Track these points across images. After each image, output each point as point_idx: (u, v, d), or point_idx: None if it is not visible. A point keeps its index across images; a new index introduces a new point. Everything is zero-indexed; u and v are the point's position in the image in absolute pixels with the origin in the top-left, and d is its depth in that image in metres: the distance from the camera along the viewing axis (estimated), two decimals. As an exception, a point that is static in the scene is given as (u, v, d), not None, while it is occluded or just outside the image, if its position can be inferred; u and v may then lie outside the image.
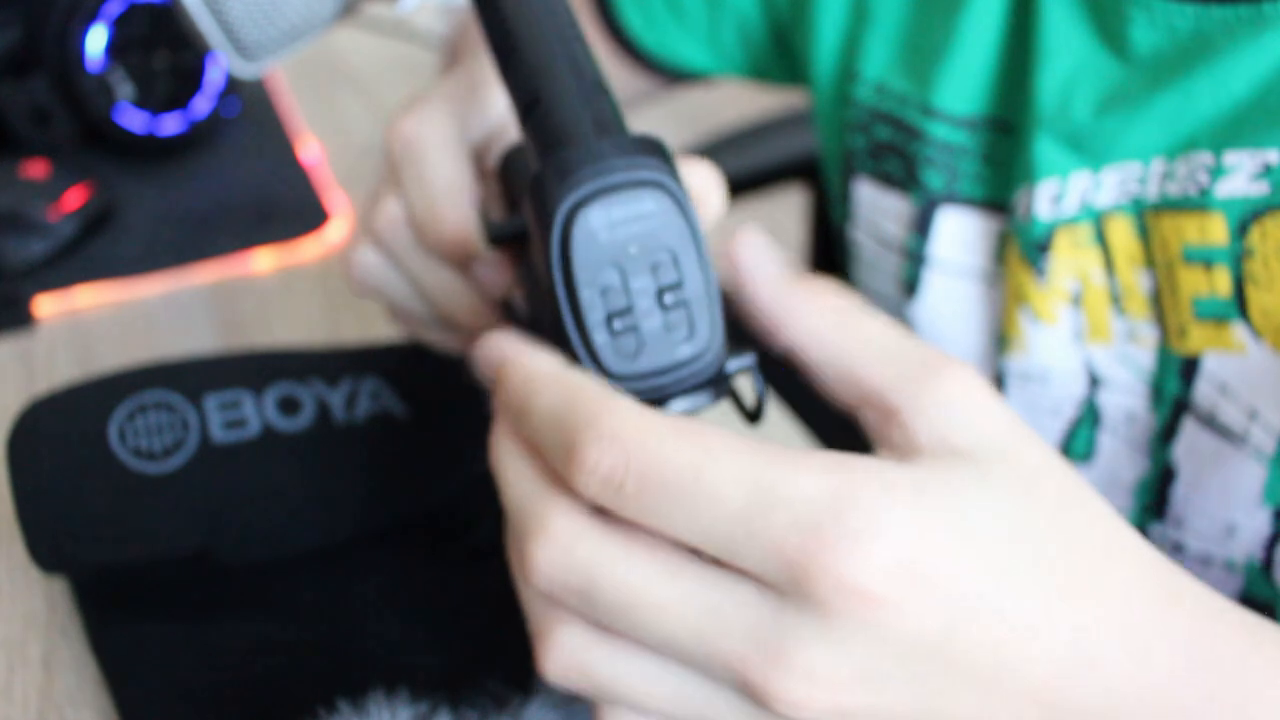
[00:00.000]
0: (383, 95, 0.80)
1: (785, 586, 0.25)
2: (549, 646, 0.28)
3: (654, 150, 0.30)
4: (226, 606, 0.43)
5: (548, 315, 0.31)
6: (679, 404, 0.30)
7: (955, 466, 0.27)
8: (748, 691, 0.26)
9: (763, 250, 0.32)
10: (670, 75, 0.69)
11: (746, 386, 0.55)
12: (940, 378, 0.28)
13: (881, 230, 0.58)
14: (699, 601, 0.26)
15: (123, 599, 0.43)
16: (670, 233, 0.29)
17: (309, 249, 0.65)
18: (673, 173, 0.30)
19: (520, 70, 0.33)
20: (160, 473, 0.43)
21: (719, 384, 0.31)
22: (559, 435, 0.27)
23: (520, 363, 0.30)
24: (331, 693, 0.36)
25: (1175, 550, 0.50)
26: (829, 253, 0.96)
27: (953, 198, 0.55)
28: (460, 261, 0.41)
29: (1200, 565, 0.49)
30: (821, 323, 0.30)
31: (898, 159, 0.56)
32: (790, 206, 1.07)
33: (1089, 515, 0.28)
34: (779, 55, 0.65)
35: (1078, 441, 0.53)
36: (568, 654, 0.28)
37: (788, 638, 0.26)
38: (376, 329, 0.60)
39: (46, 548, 0.41)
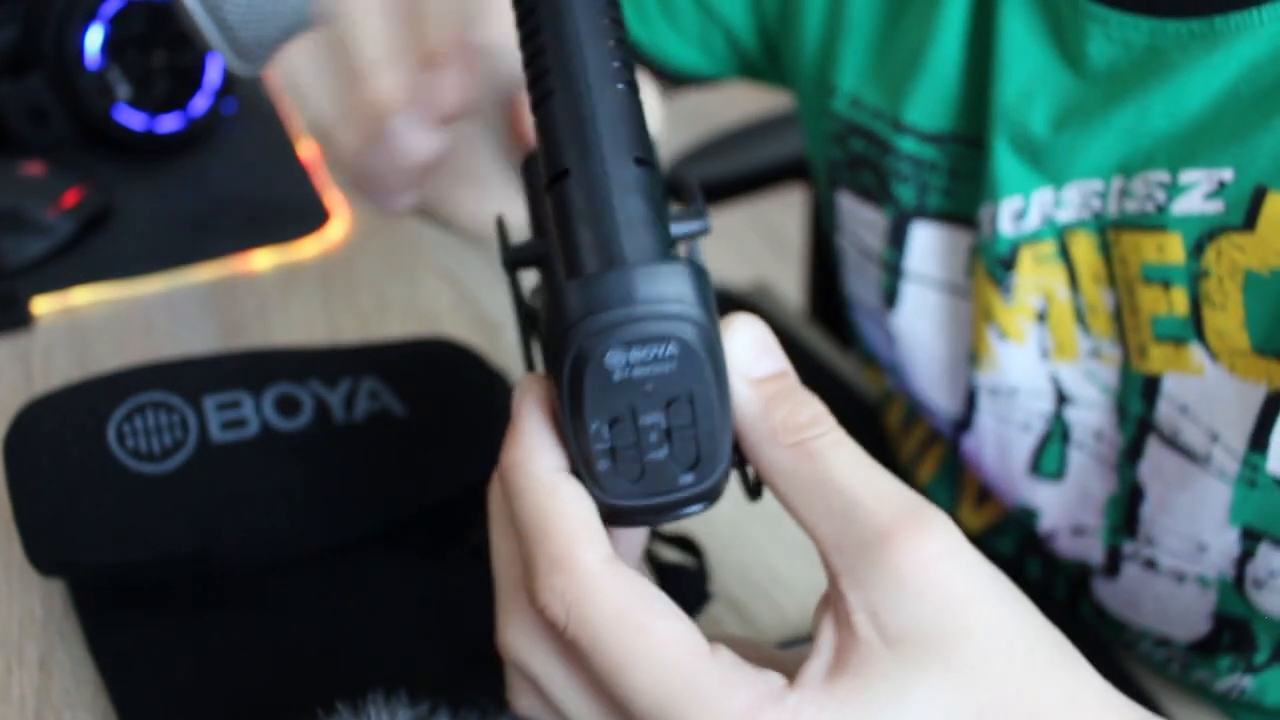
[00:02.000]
0: (382, 94, 0.80)
1: None
2: (514, 698, 0.32)
3: (688, 282, 0.28)
4: (225, 608, 0.43)
5: (556, 409, 0.29)
6: (673, 516, 0.30)
7: (875, 674, 0.26)
8: None
9: (750, 348, 0.29)
10: (669, 78, 0.69)
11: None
12: (888, 549, 0.27)
13: (861, 241, 0.58)
14: None
15: (121, 600, 0.43)
16: (689, 377, 0.28)
17: (308, 248, 0.65)
18: (706, 306, 0.28)
19: (553, 126, 0.29)
20: (159, 473, 0.43)
21: (711, 501, 0.30)
22: (527, 550, 0.28)
23: (521, 448, 0.29)
24: (330, 694, 0.35)
25: (1148, 567, 0.50)
26: (829, 254, 0.96)
27: (924, 212, 0.54)
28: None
29: (1174, 582, 0.49)
30: (781, 457, 0.28)
31: (871, 173, 0.56)
32: (790, 207, 1.07)
33: (1036, 702, 0.27)
34: (769, 61, 0.65)
35: (1048, 458, 0.53)
36: (527, 709, 0.31)
37: None
38: (376, 329, 0.60)
39: (44, 549, 0.41)
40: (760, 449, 0.29)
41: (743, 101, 1.04)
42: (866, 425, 0.73)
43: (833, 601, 0.28)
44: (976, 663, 0.26)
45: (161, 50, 0.68)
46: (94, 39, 0.65)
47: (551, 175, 0.29)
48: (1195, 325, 0.44)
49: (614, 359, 0.27)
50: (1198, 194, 0.42)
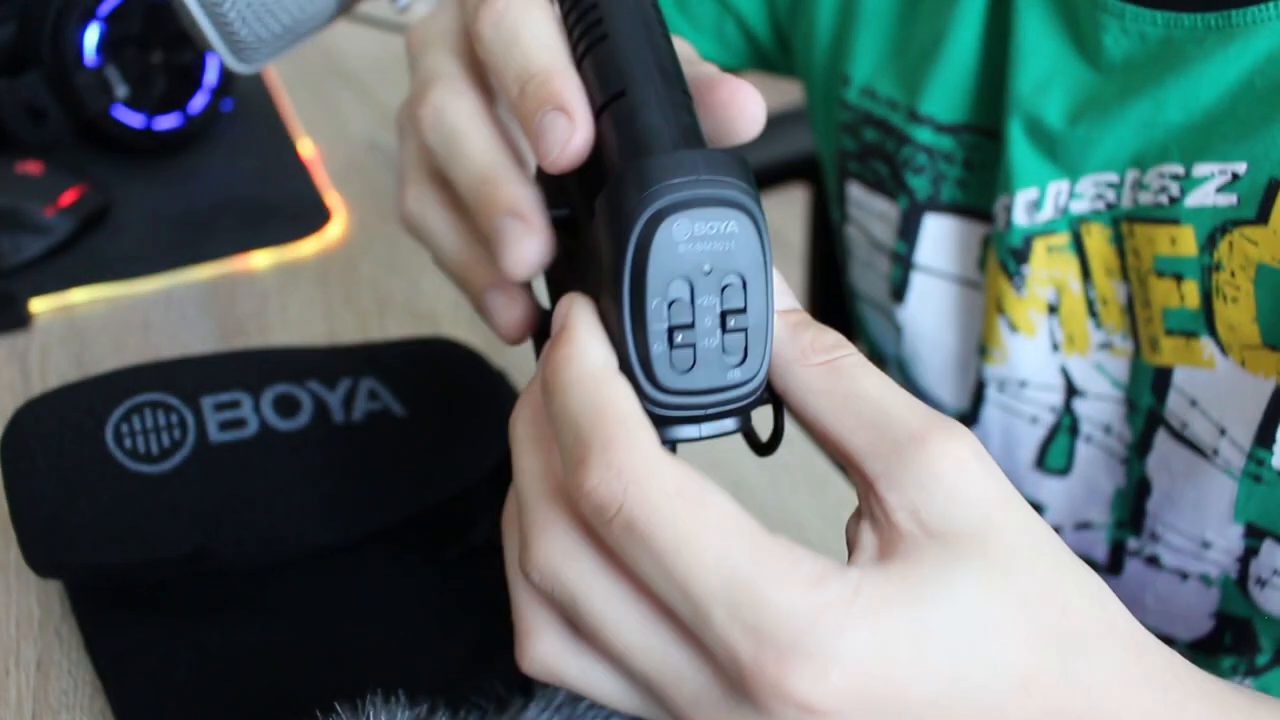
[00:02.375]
0: (380, 92, 0.80)
1: (734, 682, 0.26)
2: (529, 645, 0.29)
3: (742, 169, 0.29)
4: (223, 608, 0.43)
5: (603, 312, 0.30)
6: (709, 427, 0.30)
7: (925, 559, 0.27)
8: None
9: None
10: None
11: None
12: (923, 450, 0.27)
13: (871, 232, 0.58)
14: (660, 655, 0.27)
15: (119, 601, 0.42)
16: (746, 258, 0.29)
17: (307, 248, 0.65)
18: (757, 197, 0.29)
19: (610, 59, 0.31)
20: (157, 473, 0.42)
21: (745, 413, 0.30)
22: (574, 441, 0.27)
23: (574, 343, 0.29)
24: (329, 694, 0.35)
25: (1151, 564, 0.49)
26: (829, 253, 0.96)
27: (937, 204, 0.54)
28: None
29: (1177, 580, 0.48)
30: (812, 376, 0.29)
31: (884, 163, 0.56)
32: (790, 206, 1.07)
33: (1067, 598, 0.28)
34: (781, 51, 0.65)
35: (1055, 452, 0.53)
36: (544, 655, 0.29)
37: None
38: (375, 329, 0.59)
39: (42, 550, 0.41)
40: (791, 370, 0.29)
41: (742, 101, 1.04)
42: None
43: (868, 509, 0.28)
44: (1014, 556, 0.27)
45: (159, 49, 0.68)
46: (91, 38, 0.65)
47: (608, 97, 0.31)
48: (1206, 318, 0.44)
49: (680, 229, 0.28)
50: (1211, 187, 0.42)
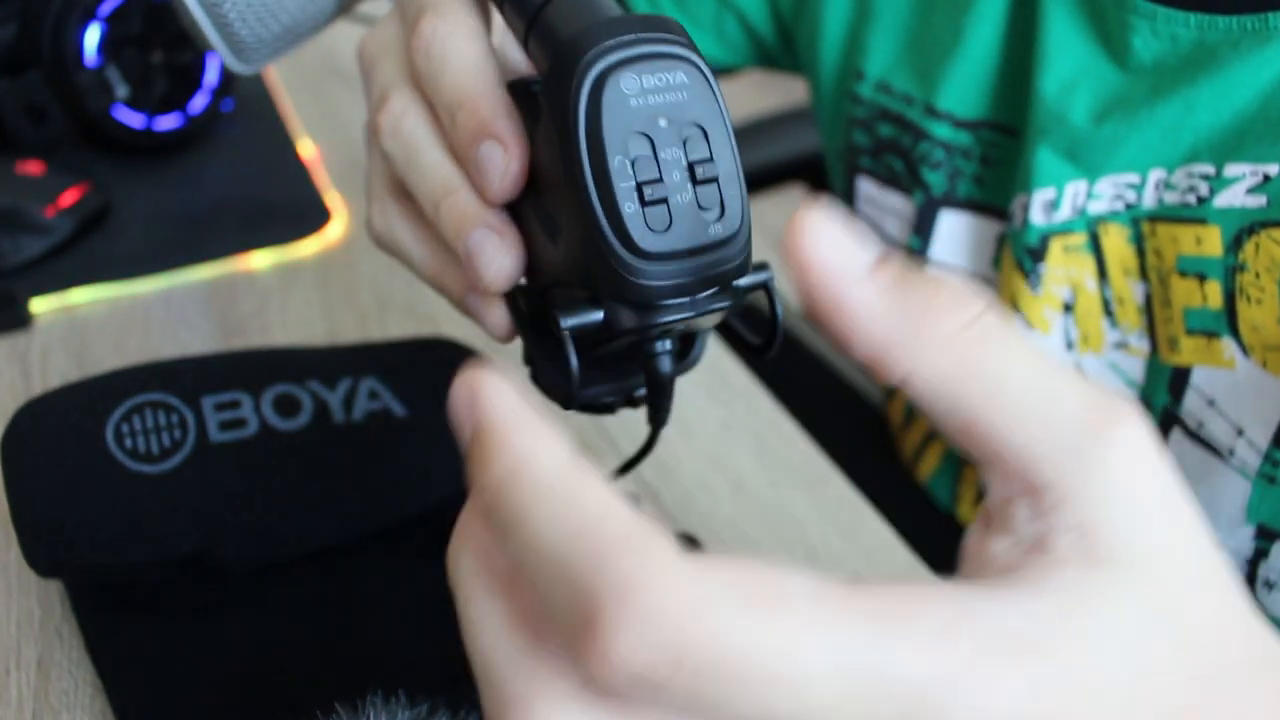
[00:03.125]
0: (381, 94, 0.80)
1: None
2: None
3: (680, 30, 0.29)
4: (224, 608, 0.43)
5: (566, 204, 0.29)
6: (703, 302, 0.28)
7: (1088, 594, 0.21)
8: None
9: (848, 241, 0.22)
10: None
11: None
12: (1108, 446, 0.22)
13: (883, 229, 0.58)
14: None
15: (119, 601, 0.42)
16: (701, 107, 0.28)
17: (307, 248, 0.65)
18: (701, 55, 0.29)
19: None
20: (157, 473, 0.42)
21: (738, 292, 0.29)
22: (567, 590, 0.19)
23: (509, 447, 0.21)
24: (330, 694, 0.35)
25: None
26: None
27: (953, 200, 0.54)
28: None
29: None
30: (948, 356, 0.22)
31: (899, 158, 0.56)
32: (790, 206, 1.07)
33: (1227, 626, 0.23)
34: (784, 48, 0.65)
35: None
36: None
37: None
38: (375, 328, 0.59)
39: (42, 550, 0.41)
40: (910, 342, 0.22)
41: (743, 101, 1.04)
42: (869, 423, 0.73)
43: (1006, 521, 0.23)
44: (1186, 586, 0.22)
45: (160, 49, 0.68)
46: (92, 38, 0.65)
47: (533, 11, 0.30)
48: (1229, 319, 0.44)
49: (629, 83, 0.28)
50: (1241, 188, 0.42)
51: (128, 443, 0.43)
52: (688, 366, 0.33)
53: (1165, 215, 0.45)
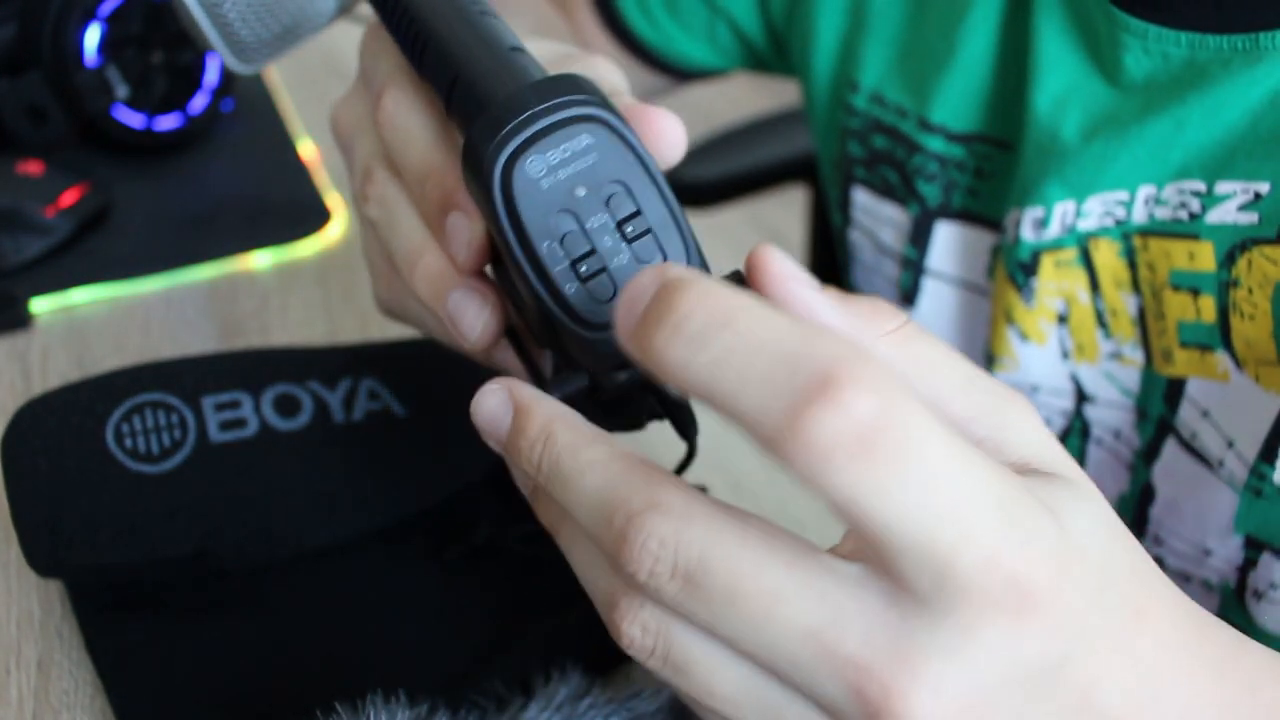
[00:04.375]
0: (381, 94, 0.79)
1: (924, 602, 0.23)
2: (628, 624, 0.26)
3: (575, 87, 0.29)
4: (224, 608, 0.43)
5: (518, 292, 0.29)
6: None
7: (1054, 483, 0.27)
8: (860, 704, 0.23)
9: (793, 269, 0.26)
10: (678, 72, 0.69)
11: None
12: (1014, 404, 0.27)
13: (879, 238, 0.58)
14: (815, 592, 0.23)
15: (119, 601, 0.42)
16: (615, 163, 0.28)
17: (307, 248, 0.65)
18: (602, 103, 0.29)
19: (434, 60, 0.32)
20: (157, 474, 0.42)
21: None
22: (609, 506, 0.25)
23: (562, 420, 0.27)
24: (329, 694, 0.35)
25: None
26: (829, 254, 0.96)
27: (948, 211, 0.54)
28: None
29: (1180, 581, 0.49)
30: (884, 347, 0.26)
31: (894, 170, 0.56)
32: (790, 206, 1.07)
33: (1134, 542, 0.28)
34: (776, 54, 0.65)
35: (1068, 451, 0.53)
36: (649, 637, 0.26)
37: (916, 646, 0.23)
38: (375, 328, 0.59)
39: (42, 550, 0.41)
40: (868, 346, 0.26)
41: (743, 101, 1.04)
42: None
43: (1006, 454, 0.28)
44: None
45: (160, 49, 0.68)
46: (92, 38, 0.65)
47: (446, 91, 0.31)
48: (1222, 333, 0.44)
49: (533, 166, 0.28)
50: (1232, 205, 0.42)
51: (128, 443, 0.43)
52: None
53: (1157, 230, 0.45)
